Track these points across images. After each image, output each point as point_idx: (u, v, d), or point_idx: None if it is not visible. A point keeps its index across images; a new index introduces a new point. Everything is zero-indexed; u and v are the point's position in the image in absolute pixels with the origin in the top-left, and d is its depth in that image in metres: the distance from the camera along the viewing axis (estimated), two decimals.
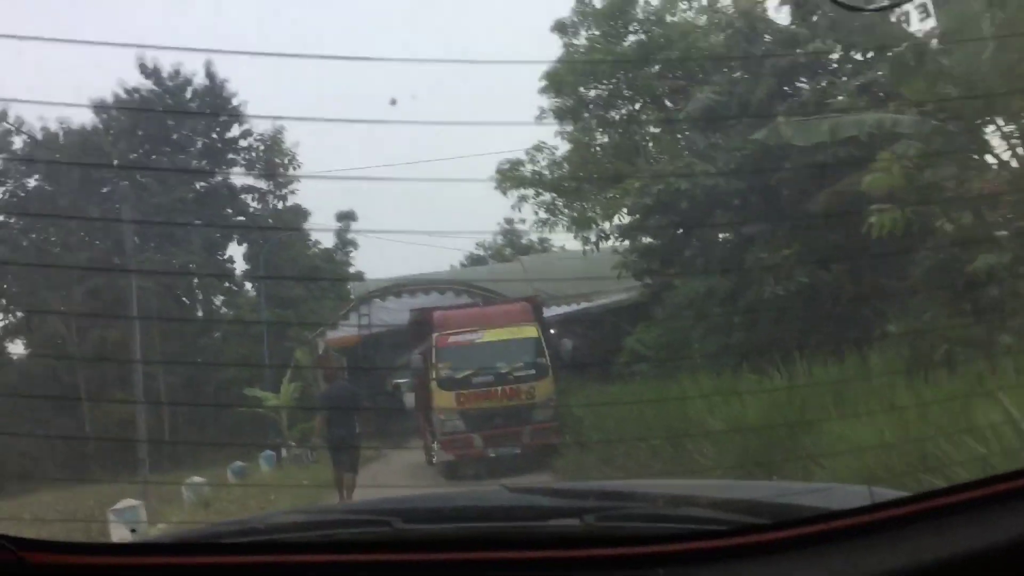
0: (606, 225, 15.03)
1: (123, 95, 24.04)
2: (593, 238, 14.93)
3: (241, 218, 25.74)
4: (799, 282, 8.36)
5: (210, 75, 24.72)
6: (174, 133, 24.84)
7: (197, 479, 11.90)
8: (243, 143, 25.75)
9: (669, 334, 10.88)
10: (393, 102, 19.70)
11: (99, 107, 23.50)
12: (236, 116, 24.90)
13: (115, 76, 24.20)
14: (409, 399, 15.31)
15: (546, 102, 15.21)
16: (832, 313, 8.21)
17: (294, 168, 25.88)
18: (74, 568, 0.98)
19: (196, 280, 24.26)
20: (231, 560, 1.05)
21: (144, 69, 24.24)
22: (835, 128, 7.30)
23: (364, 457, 9.89)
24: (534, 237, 29.10)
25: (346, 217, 27.55)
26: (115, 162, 22.75)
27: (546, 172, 15.72)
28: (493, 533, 1.26)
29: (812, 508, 1.28)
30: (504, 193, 15.59)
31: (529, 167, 15.71)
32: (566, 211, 15.74)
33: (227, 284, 25.29)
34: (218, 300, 25.25)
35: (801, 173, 8.70)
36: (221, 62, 23.96)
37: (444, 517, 1.38)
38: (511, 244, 31.71)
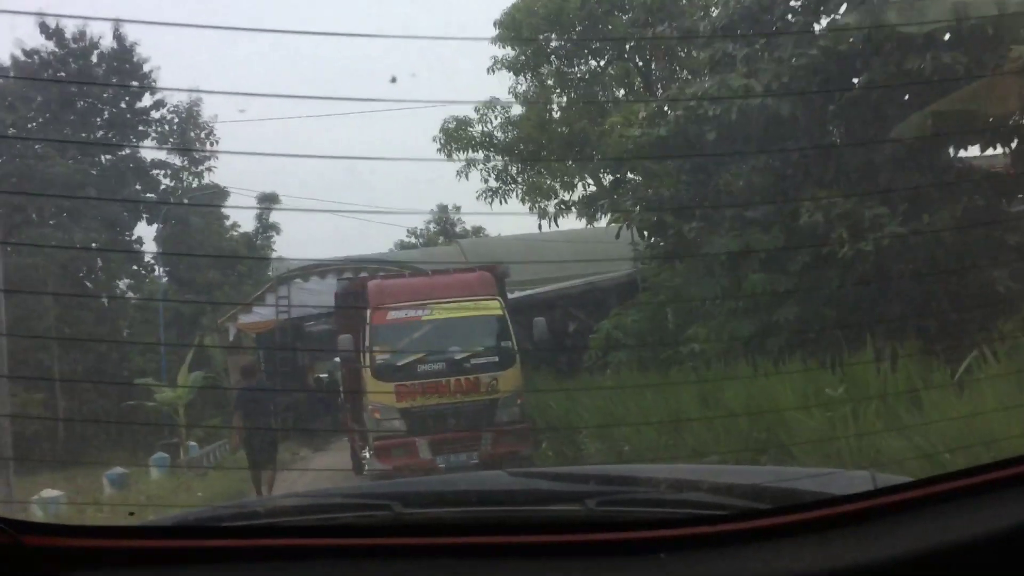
0: (566, 195, 15.03)
1: (21, 58, 23.27)
2: (552, 210, 14.75)
3: (151, 195, 24.96)
4: (894, 235, 6.55)
5: (119, 38, 24.05)
6: (78, 100, 23.88)
7: (52, 493, 10.34)
8: (155, 114, 25.13)
9: (657, 317, 10.13)
10: (393, 80, 19.76)
11: None
12: (147, 87, 24.36)
13: (12, 36, 23.47)
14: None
15: (499, 52, 14.52)
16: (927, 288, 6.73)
17: (211, 143, 25.44)
18: (72, 550, 1.02)
19: (100, 261, 23.44)
20: (231, 543, 1.10)
21: (46, 29, 23.50)
22: (961, 6, 5.76)
23: (279, 461, 9.57)
24: (468, 225, 29.07)
25: (268, 199, 27.11)
26: (10, 130, 21.68)
27: (499, 134, 15.09)
28: (494, 517, 1.33)
29: (814, 493, 1.39)
30: (449, 156, 14.88)
31: (479, 128, 15.02)
32: (520, 179, 15.19)
33: (135, 267, 24.59)
34: (123, 283, 24.43)
35: (883, 91, 7.08)
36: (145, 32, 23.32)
37: (445, 501, 1.45)
38: (444, 232, 31.65)
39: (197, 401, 17.55)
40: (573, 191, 15.02)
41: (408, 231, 33.06)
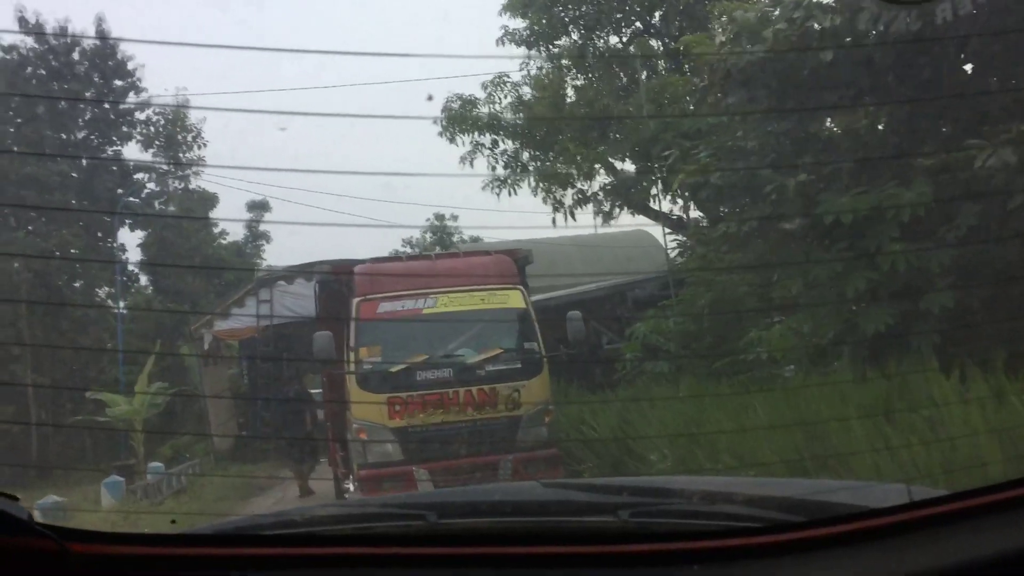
0: (585, 185, 14.38)
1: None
2: (568, 200, 14.12)
3: (133, 199, 25.56)
4: None
5: (101, 34, 24.59)
6: (59, 100, 24.56)
7: (54, 498, 10.57)
8: (140, 115, 25.67)
9: (708, 318, 9.45)
10: (430, 98, 19.60)
11: None
12: (132, 86, 25.04)
13: None
14: (314, 408, 12.56)
15: (511, 23, 14.24)
16: None
17: (199, 148, 26.05)
18: (116, 558, 1.15)
19: (79, 268, 23.93)
20: (270, 551, 1.24)
21: (24, 24, 24.12)
22: None
23: (253, 486, 9.31)
24: (466, 236, 29.20)
25: (258, 207, 27.92)
26: None
27: (509, 115, 14.52)
28: (528, 528, 1.47)
29: (848, 506, 1.50)
30: (451, 140, 14.25)
31: (486, 109, 14.46)
32: (532, 166, 14.63)
33: (120, 276, 25.05)
34: (103, 291, 24.98)
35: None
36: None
37: (479, 512, 1.60)
38: (440, 242, 31.86)
39: (162, 416, 16.88)
40: (592, 180, 14.42)
41: (403, 241, 33.24)
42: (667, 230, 13.15)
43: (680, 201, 13.93)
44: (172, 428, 18.22)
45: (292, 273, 15.39)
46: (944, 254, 6.47)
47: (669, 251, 13.07)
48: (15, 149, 22.60)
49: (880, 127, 7.72)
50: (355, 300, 8.65)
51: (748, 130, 8.58)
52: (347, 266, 9.28)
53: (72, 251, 22.26)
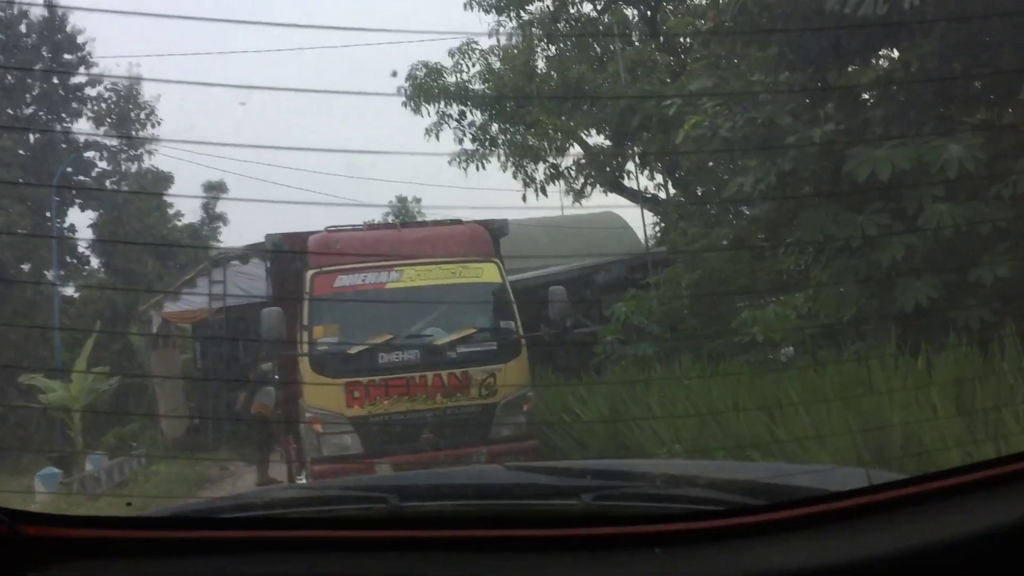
0: (558, 159, 14.10)
1: None
2: (540, 175, 14.04)
3: (82, 178, 25.21)
4: None
5: (50, 6, 24.25)
6: (5, 74, 23.97)
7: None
8: (91, 91, 25.37)
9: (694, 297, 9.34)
10: (394, 74, 19.53)
11: None
12: (83, 61, 24.78)
13: None
14: (266, 395, 11.96)
15: None
16: None
17: (152, 125, 25.81)
18: (70, 541, 1.18)
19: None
20: (228, 535, 1.28)
21: None
22: None
23: (204, 478, 9.08)
24: (427, 217, 29.00)
25: (215, 188, 27.83)
26: None
27: (477, 85, 14.35)
28: (491, 511, 1.53)
29: (809, 489, 1.58)
30: (416, 110, 13.97)
31: (453, 78, 14.23)
32: (501, 138, 14.34)
33: (68, 257, 24.76)
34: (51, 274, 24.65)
35: None
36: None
37: (442, 495, 1.66)
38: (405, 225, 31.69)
39: (108, 404, 16.33)
40: (564, 154, 14.28)
41: (365, 223, 33.06)
42: (643, 206, 13.18)
43: (658, 176, 14.03)
44: (116, 416, 17.67)
45: (247, 253, 14.98)
46: (998, 215, 5.85)
47: (648, 228, 13.12)
48: None
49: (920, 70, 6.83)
50: (309, 273, 8.05)
51: (762, 76, 8.03)
52: (302, 237, 8.61)
53: (19, 231, 21.90)
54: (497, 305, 8.33)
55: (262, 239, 9.41)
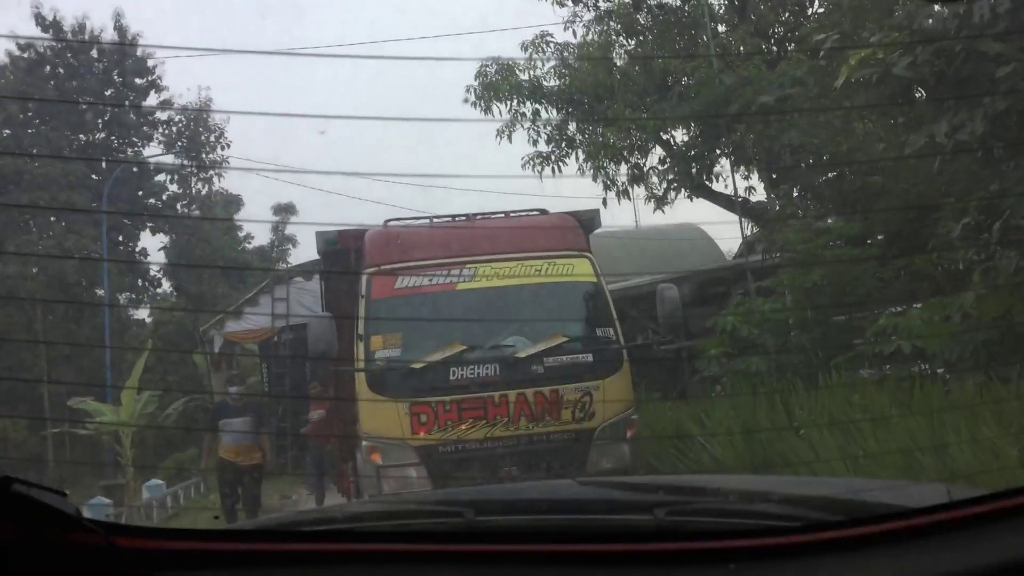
0: (642, 159, 13.86)
1: (16, 51, 25.56)
2: (623, 176, 13.79)
3: (153, 201, 26.86)
4: None
5: (120, 31, 26.23)
6: (76, 97, 26.02)
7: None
8: (161, 115, 27.30)
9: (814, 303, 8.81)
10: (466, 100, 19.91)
11: None
12: (153, 85, 26.77)
13: (5, 26, 25.61)
14: (317, 415, 11.43)
15: None
16: None
17: (222, 148, 27.57)
18: (160, 552, 1.33)
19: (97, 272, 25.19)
20: (310, 547, 1.44)
21: (41, 20, 25.71)
22: None
23: (265, 508, 8.88)
24: None
25: (284, 210, 29.20)
26: (5, 132, 23.85)
27: (553, 82, 14.24)
28: (564, 526, 1.65)
29: (887, 505, 1.64)
30: (485, 111, 13.86)
31: (526, 75, 14.15)
32: (579, 138, 14.14)
33: (140, 280, 26.25)
34: (123, 297, 26.25)
35: None
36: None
37: (516, 509, 1.81)
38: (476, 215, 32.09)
39: (164, 426, 16.28)
40: (648, 154, 14.03)
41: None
42: (739, 208, 12.92)
43: (753, 175, 13.74)
44: (178, 441, 17.79)
45: (308, 269, 14.99)
46: None
47: (744, 232, 12.79)
48: (33, 151, 23.75)
49: None
50: (365, 273, 7.38)
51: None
52: (358, 234, 7.92)
53: (92, 254, 23.27)
54: (592, 308, 7.58)
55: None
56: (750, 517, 1.63)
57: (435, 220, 8.30)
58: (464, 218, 8.22)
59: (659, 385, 10.77)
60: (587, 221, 8.11)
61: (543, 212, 8.24)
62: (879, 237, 9.94)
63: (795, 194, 11.74)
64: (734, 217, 13.14)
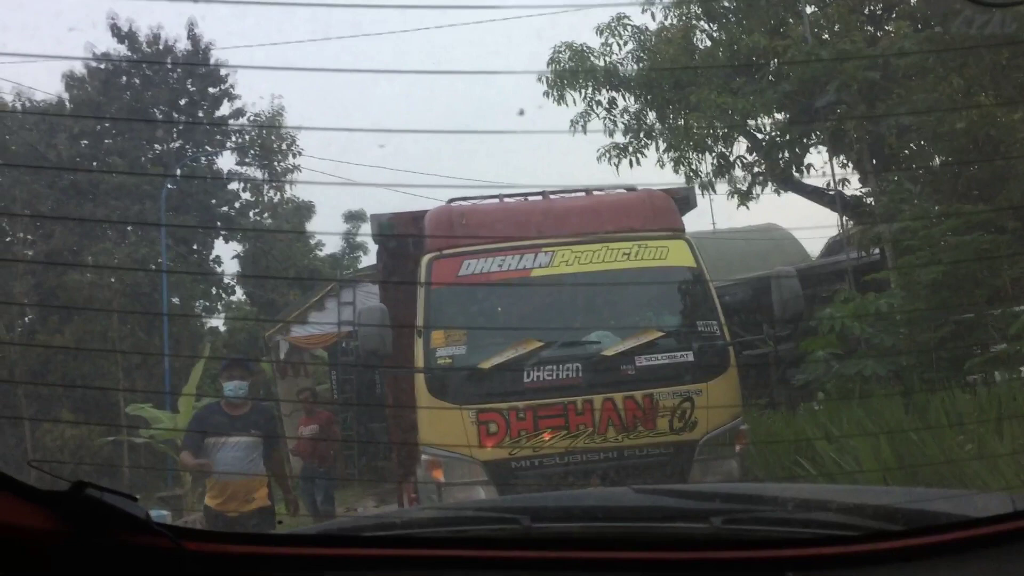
0: (727, 149, 13.48)
1: (92, 63, 27.03)
2: (707, 168, 13.47)
3: (225, 209, 28.12)
4: None
5: (193, 39, 27.59)
6: (151, 107, 27.44)
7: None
8: (234, 123, 28.47)
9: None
10: (521, 112, 20.94)
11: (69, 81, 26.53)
12: (226, 94, 28.09)
13: (83, 39, 27.53)
14: (308, 430, 11.37)
15: None
16: None
17: (294, 155, 28.34)
18: (228, 556, 1.47)
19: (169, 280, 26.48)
20: (371, 552, 1.58)
21: (117, 31, 27.28)
22: None
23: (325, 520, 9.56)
24: None
25: (356, 218, 29.84)
26: (83, 143, 25.46)
27: (631, 67, 13.96)
28: (620, 533, 1.78)
29: (949, 515, 1.70)
30: (558, 100, 13.66)
31: (601, 61, 13.81)
32: (660, 125, 13.81)
33: (215, 289, 27.45)
34: (198, 304, 27.49)
35: None
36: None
37: (572, 516, 1.94)
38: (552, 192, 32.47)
39: None
40: (733, 144, 13.55)
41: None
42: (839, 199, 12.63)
43: (848, 165, 13.41)
44: None
45: (373, 272, 14.84)
46: None
47: (842, 218, 12.50)
48: (108, 161, 25.01)
49: None
50: (425, 257, 6.78)
51: None
52: (417, 216, 7.38)
53: (167, 264, 24.58)
54: (692, 299, 6.87)
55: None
56: (808, 526, 1.71)
57: (505, 198, 7.54)
58: (539, 196, 7.48)
59: (758, 391, 10.23)
60: (682, 199, 7.55)
61: (632, 189, 7.58)
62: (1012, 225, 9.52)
63: (904, 184, 11.39)
64: (815, 214, 12.84)
